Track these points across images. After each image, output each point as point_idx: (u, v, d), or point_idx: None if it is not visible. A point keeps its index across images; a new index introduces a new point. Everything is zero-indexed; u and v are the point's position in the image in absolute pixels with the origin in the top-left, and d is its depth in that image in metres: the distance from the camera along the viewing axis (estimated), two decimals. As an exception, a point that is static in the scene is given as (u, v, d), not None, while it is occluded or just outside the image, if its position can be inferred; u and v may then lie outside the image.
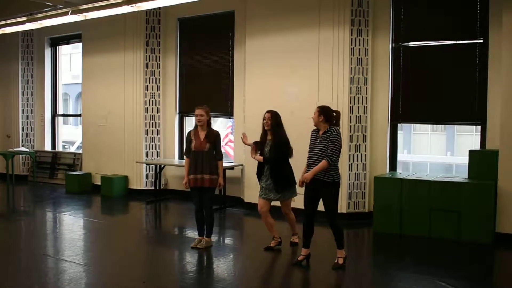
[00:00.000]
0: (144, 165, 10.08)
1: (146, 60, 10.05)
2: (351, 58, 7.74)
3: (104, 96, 10.68)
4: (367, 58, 7.81)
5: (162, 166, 9.88)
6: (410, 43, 7.77)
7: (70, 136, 18.84)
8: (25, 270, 5.60)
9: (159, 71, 10.14)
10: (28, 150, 12.11)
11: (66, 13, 8.49)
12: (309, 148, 5.57)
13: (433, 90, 7.60)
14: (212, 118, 6.38)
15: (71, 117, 24.18)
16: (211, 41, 9.75)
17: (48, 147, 12.37)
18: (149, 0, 7.55)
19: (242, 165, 9.00)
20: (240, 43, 9.09)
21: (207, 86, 9.76)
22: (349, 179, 7.80)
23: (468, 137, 18.27)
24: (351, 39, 7.73)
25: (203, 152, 6.14)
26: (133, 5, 7.74)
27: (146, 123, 10.13)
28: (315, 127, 5.61)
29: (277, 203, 6.30)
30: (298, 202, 6.62)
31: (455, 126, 16.95)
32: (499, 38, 6.71)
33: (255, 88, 8.64)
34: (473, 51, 7.24)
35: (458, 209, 6.64)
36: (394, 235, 7.00)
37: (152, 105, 10.15)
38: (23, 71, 12.25)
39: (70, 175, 10.94)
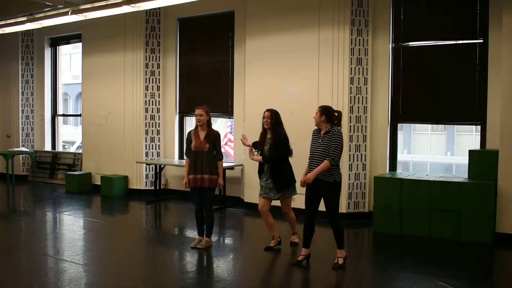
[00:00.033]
0: (144, 165, 10.08)
1: (146, 60, 10.05)
2: (351, 58, 7.74)
3: (104, 96, 10.68)
4: (367, 58, 7.81)
5: (162, 166, 9.88)
6: (410, 43, 7.77)
7: (70, 136, 18.85)
8: (25, 270, 5.60)
9: (159, 71, 10.14)
10: (28, 150, 12.11)
11: (66, 13, 8.49)
12: (310, 148, 5.57)
13: (433, 90, 7.60)
14: (212, 118, 6.38)
15: (71, 117, 24.19)
16: (211, 41, 9.75)
17: (48, 147, 12.37)
18: (149, 0, 7.55)
19: (242, 165, 9.00)
20: (240, 43, 9.09)
21: (207, 86, 9.76)
22: (349, 179, 7.80)
23: (468, 137, 18.26)
24: (351, 39, 7.73)
25: (203, 152, 6.14)
26: (133, 5, 7.74)
27: (146, 123, 10.13)
28: (316, 127, 5.61)
29: (277, 203, 6.31)
30: (298, 202, 6.62)
31: (455, 126, 16.96)
32: (499, 38, 6.71)
33: (255, 88, 8.64)
34: (473, 51, 7.24)
35: (458, 209, 6.64)
36: (394, 235, 6.99)
37: (152, 105, 10.15)
38: (23, 71, 12.25)
39: (70, 175, 10.94)
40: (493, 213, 6.53)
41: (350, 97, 7.77)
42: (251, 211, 8.33)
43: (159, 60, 10.13)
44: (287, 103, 7.99)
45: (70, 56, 22.97)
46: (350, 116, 7.75)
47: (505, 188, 6.55)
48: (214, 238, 6.61)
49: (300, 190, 5.83)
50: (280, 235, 6.36)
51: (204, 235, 6.37)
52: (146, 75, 10.06)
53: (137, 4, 7.74)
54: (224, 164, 7.30)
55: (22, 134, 12.32)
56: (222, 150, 6.49)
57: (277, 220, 6.44)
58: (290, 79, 8.25)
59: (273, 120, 6.10)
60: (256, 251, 6.29)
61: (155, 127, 10.20)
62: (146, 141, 10.14)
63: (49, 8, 8.61)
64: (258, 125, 6.33)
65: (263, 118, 6.16)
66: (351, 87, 7.77)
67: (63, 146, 13.24)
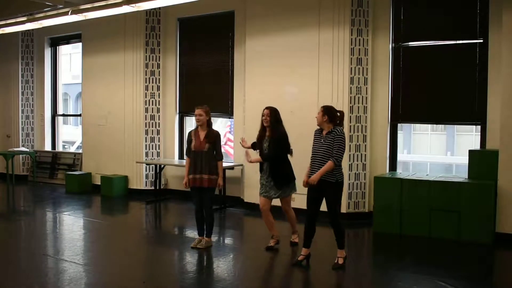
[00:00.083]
0: (144, 165, 10.08)
1: (146, 60, 10.04)
2: (351, 58, 7.74)
3: (104, 96, 10.68)
4: (367, 58, 7.80)
5: (162, 166, 9.88)
6: (410, 43, 7.77)
7: (70, 136, 18.85)
8: (25, 270, 5.60)
9: (159, 71, 10.14)
10: (28, 150, 12.11)
11: (66, 13, 8.49)
12: (312, 148, 5.55)
13: (433, 90, 7.60)
14: (212, 118, 6.38)
15: (71, 117, 24.18)
16: (211, 41, 9.75)
17: (48, 147, 12.37)
18: (149, 0, 7.55)
19: (242, 165, 8.99)
20: (240, 43, 9.09)
21: (207, 86, 9.76)
22: (349, 179, 7.80)
23: (468, 137, 18.26)
24: (351, 39, 7.73)
25: (203, 152, 6.14)
26: (133, 5, 7.74)
27: (146, 123, 10.13)
28: (318, 127, 5.60)
29: (277, 202, 6.31)
30: (299, 202, 6.63)
31: (455, 126, 16.96)
32: (499, 38, 6.71)
33: (255, 88, 8.64)
34: (473, 51, 7.24)
35: (458, 209, 6.64)
36: (394, 235, 6.99)
37: (152, 105, 10.15)
38: (23, 71, 12.24)
39: (70, 175, 10.94)
40: (493, 213, 6.53)
41: (350, 97, 7.77)
42: (251, 211, 8.33)
43: (159, 60, 10.13)
44: (287, 103, 7.98)
45: (70, 56, 22.97)
46: (350, 116, 7.75)
47: (505, 188, 6.55)
48: (214, 238, 6.61)
49: (300, 189, 5.83)
50: (280, 235, 6.36)
51: (204, 235, 6.37)
52: (146, 75, 10.06)
53: (137, 4, 7.74)
54: (224, 164, 7.29)
55: (22, 134, 12.31)
56: (222, 150, 6.49)
57: (277, 220, 6.44)
58: (290, 79, 8.25)
59: (273, 118, 6.09)
60: (256, 251, 6.29)
61: (155, 127, 10.20)
62: (146, 141, 10.14)
63: (49, 8, 8.61)
64: (258, 126, 6.32)
65: (262, 116, 6.15)
66: (351, 87, 7.76)
67: (63, 146, 13.24)
